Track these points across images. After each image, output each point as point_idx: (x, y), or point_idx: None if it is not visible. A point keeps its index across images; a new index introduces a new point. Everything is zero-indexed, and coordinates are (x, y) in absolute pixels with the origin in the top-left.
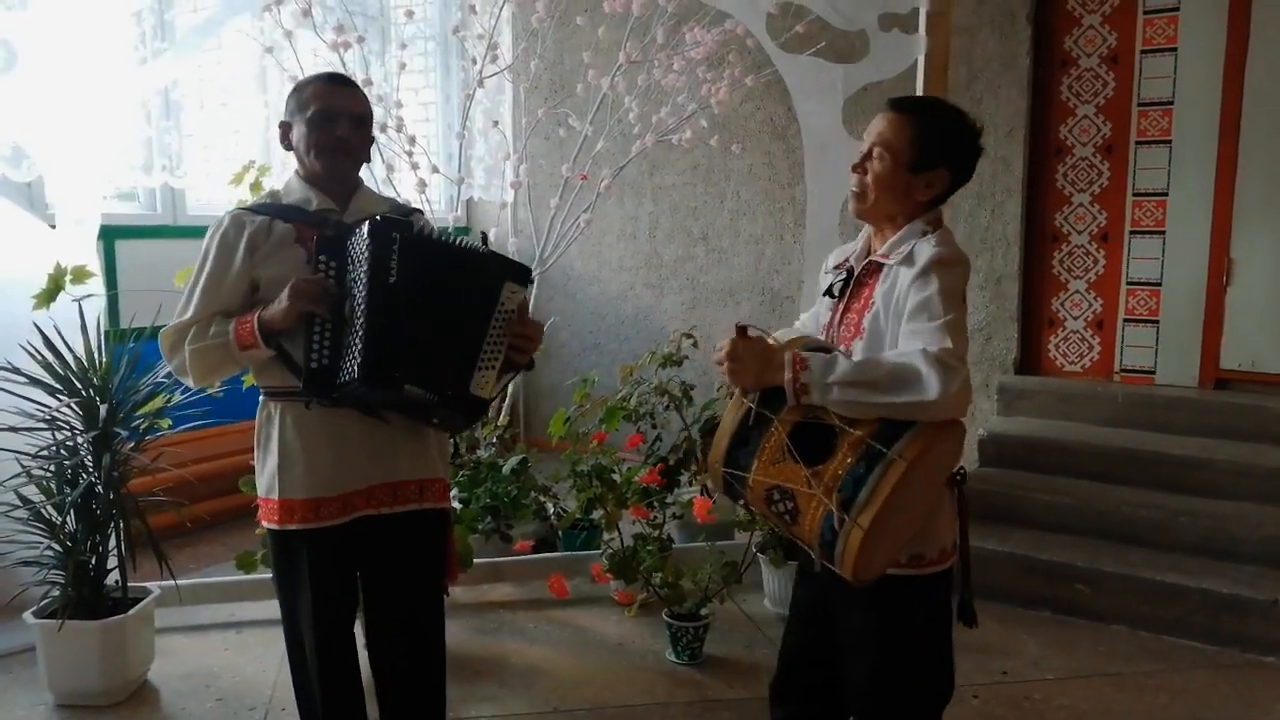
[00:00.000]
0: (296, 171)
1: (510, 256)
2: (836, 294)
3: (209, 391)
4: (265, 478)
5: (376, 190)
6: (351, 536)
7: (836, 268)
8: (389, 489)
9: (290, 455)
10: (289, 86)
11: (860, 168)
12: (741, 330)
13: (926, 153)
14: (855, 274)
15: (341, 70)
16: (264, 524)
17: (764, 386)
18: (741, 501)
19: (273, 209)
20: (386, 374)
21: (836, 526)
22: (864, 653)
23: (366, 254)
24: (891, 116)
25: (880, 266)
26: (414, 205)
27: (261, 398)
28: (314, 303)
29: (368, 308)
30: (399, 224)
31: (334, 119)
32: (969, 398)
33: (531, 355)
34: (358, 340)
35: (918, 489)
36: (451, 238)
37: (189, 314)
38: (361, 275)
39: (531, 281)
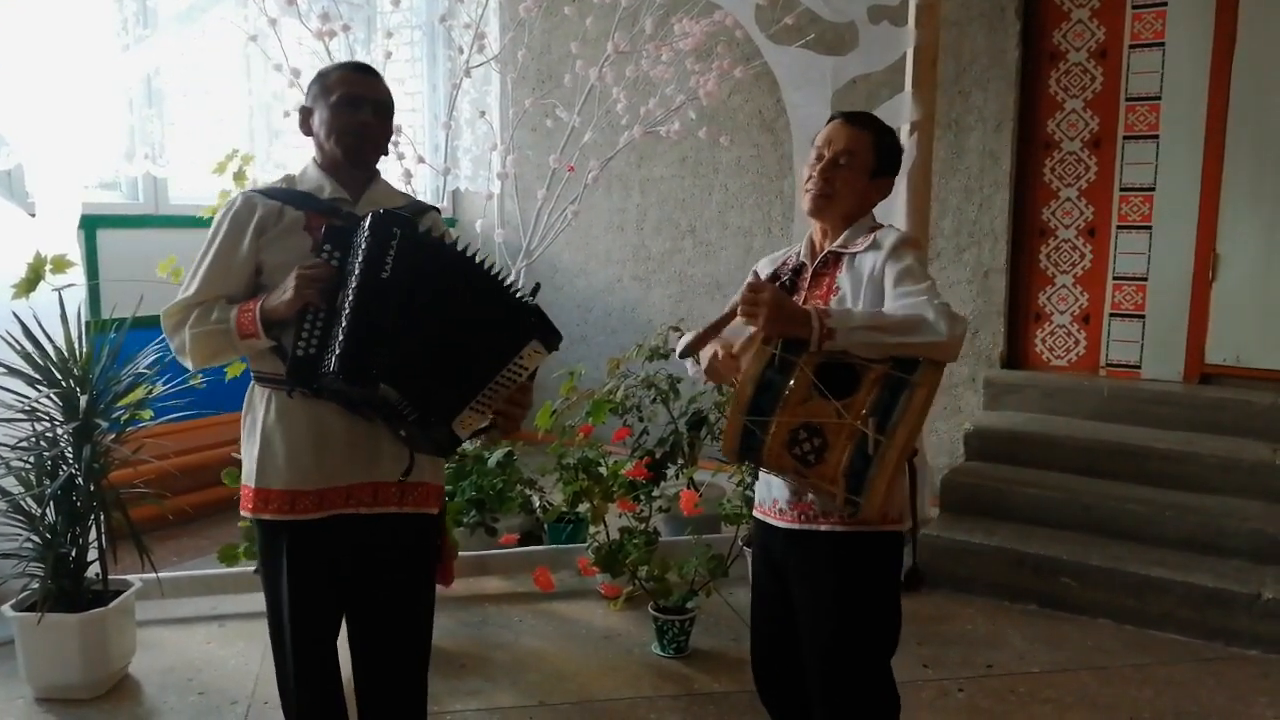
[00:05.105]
0: (314, 159)
1: (548, 317)
2: (788, 288)
3: (191, 383)
4: (247, 464)
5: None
6: (332, 535)
7: (777, 270)
8: (370, 489)
9: (271, 444)
10: (273, 75)
11: (827, 171)
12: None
13: (884, 163)
14: (812, 268)
15: (327, 58)
16: (242, 512)
17: (787, 334)
18: (749, 461)
19: (285, 194)
20: (363, 369)
21: (871, 451)
22: (825, 613)
23: (364, 246)
24: (853, 130)
25: (839, 258)
26: (432, 204)
27: (251, 382)
28: (315, 292)
29: (355, 300)
30: (401, 219)
31: (358, 104)
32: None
33: (513, 427)
34: (341, 332)
35: (921, 421)
36: (474, 254)
37: (192, 293)
38: (356, 267)
39: (556, 349)
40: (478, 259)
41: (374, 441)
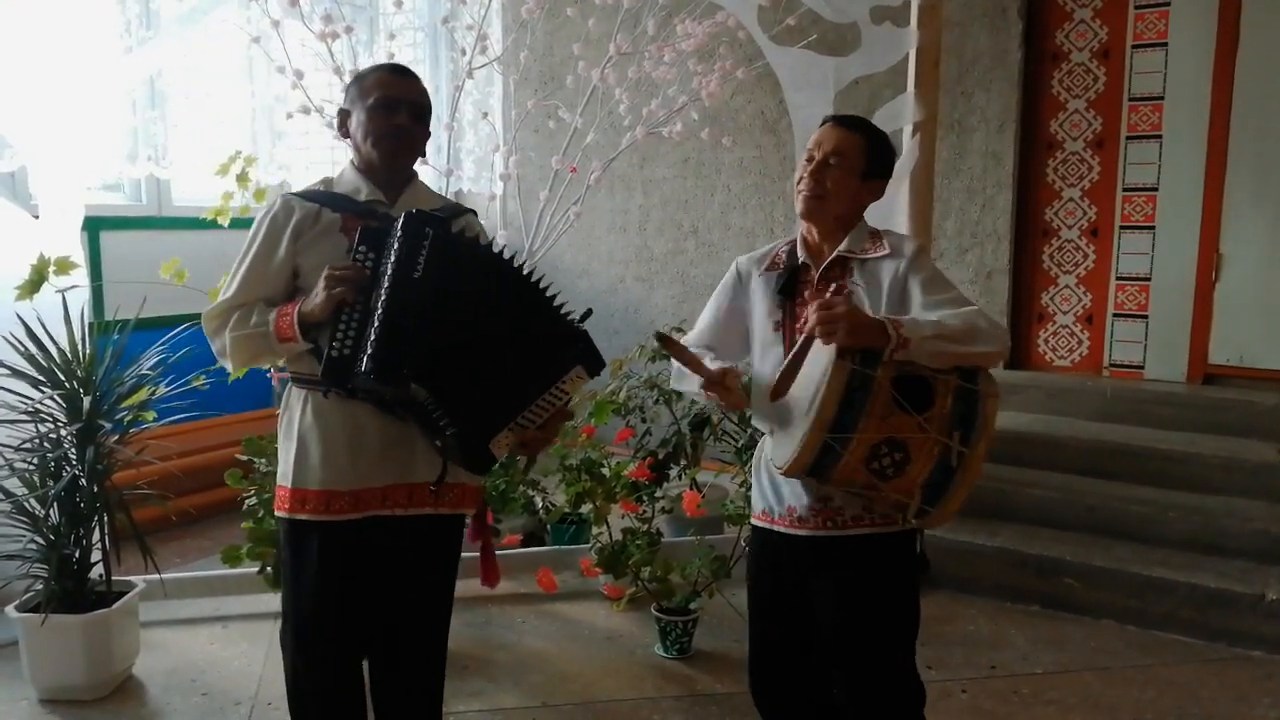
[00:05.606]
0: (352, 161)
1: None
2: (783, 292)
3: (195, 384)
4: (283, 464)
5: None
6: (365, 536)
7: (768, 269)
8: (405, 490)
9: (307, 444)
10: (276, 77)
11: (818, 172)
12: (664, 339)
13: (876, 165)
14: (818, 271)
15: (330, 60)
16: (277, 512)
17: (864, 344)
18: (814, 477)
19: (323, 197)
20: (395, 369)
21: (954, 463)
22: (861, 615)
23: (396, 246)
24: (843, 132)
25: (845, 262)
26: (469, 207)
27: (288, 384)
28: (345, 290)
29: (387, 299)
30: (434, 220)
31: (395, 107)
32: None
33: (538, 452)
34: (373, 332)
35: (993, 429)
36: (511, 257)
37: (232, 295)
38: (389, 266)
39: (598, 375)
40: (515, 262)
41: (409, 443)
